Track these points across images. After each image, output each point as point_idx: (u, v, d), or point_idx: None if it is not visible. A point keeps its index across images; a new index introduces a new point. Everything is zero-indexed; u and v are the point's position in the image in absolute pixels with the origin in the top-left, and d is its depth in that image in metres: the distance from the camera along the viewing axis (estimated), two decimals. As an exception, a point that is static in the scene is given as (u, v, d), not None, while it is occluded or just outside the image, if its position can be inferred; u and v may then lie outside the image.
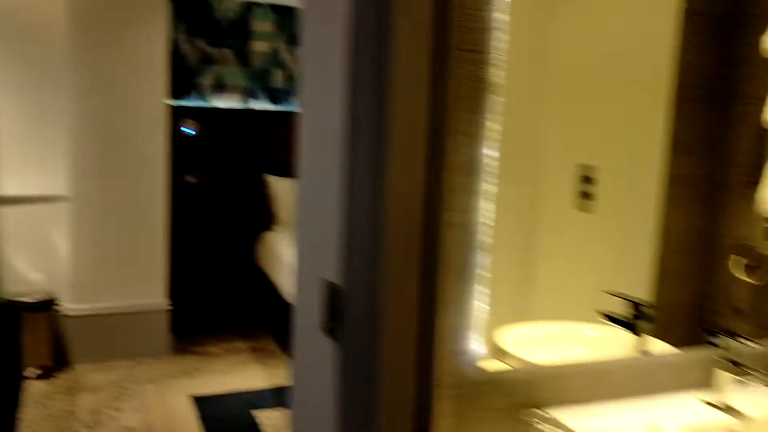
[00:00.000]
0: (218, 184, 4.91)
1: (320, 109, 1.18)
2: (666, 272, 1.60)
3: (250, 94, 4.97)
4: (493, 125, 1.07)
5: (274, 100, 5.05)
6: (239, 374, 3.95)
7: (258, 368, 4.04)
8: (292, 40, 5.02)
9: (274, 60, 5.00)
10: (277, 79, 5.03)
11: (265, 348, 4.35)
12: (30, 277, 3.93)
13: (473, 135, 1.05)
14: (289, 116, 5.05)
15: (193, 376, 3.91)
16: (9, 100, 3.77)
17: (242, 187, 4.98)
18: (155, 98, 3.92)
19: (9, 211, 3.84)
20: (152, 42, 3.86)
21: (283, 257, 4.21)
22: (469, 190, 1.05)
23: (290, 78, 5.05)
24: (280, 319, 4.26)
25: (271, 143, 5.03)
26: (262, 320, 4.86)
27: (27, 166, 3.86)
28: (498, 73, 1.06)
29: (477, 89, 1.04)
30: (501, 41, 1.07)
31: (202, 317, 4.80)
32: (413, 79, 0.98)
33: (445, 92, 1.01)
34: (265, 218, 4.75)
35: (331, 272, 1.12)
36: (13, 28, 3.72)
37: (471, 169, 1.05)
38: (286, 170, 5.06)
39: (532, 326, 1.68)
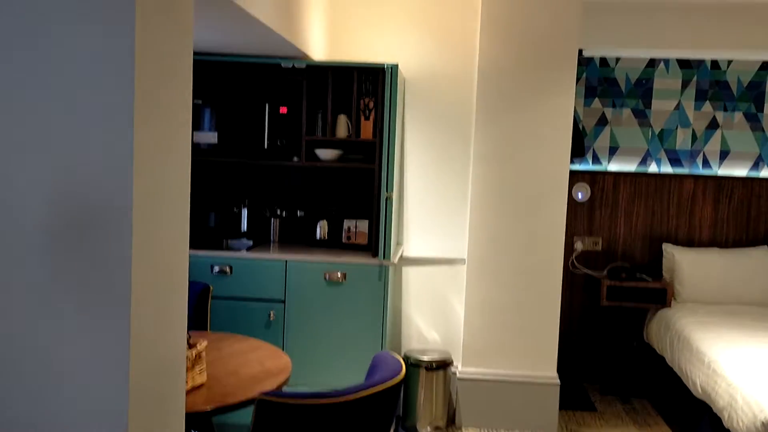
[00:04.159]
0: (606, 252, 4.59)
1: None
2: None
3: (648, 156, 4.59)
4: None
5: (674, 162, 4.58)
6: (636, 470, 3.50)
7: (657, 466, 3.54)
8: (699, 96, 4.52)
9: (678, 119, 4.55)
10: (680, 139, 4.57)
11: (662, 442, 3.82)
12: (428, 335, 4.07)
13: None
14: (695, 180, 4.54)
15: (584, 462, 3.58)
16: (416, 167, 3.99)
17: (633, 256, 4.59)
18: (557, 165, 3.79)
19: (412, 271, 4.04)
20: (559, 110, 3.76)
21: (691, 341, 3.66)
22: None
23: (696, 137, 4.54)
24: (668, 397, 3.71)
25: (675, 210, 4.56)
26: (644, 390, 4.45)
27: (437, 231, 4.03)
28: None
29: None
30: None
31: (583, 393, 4.48)
32: None
33: None
34: (659, 292, 4.25)
35: None
36: (430, 98, 3.96)
37: None
38: (688, 240, 4.53)
39: None
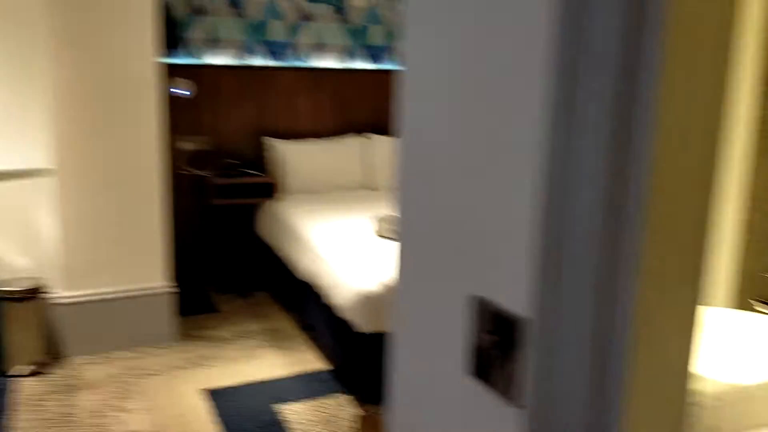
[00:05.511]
0: (216, 150, 4.46)
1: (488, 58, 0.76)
2: None
3: (247, 49, 4.49)
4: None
5: (273, 55, 4.57)
6: (255, 361, 3.56)
7: (275, 353, 3.66)
8: (291, -13, 4.52)
9: (273, 10, 4.50)
10: (276, 31, 4.55)
11: (279, 330, 3.96)
12: (15, 262, 3.49)
13: None
14: (294, 72, 4.60)
15: (203, 365, 3.52)
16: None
17: (242, 152, 4.53)
18: (143, 56, 3.43)
19: (-15, 189, 3.37)
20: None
21: (297, 230, 3.79)
22: None
23: (291, 29, 4.56)
24: (283, 286, 3.89)
25: (277, 104, 4.57)
26: (261, 283, 4.51)
27: (7, 137, 3.38)
28: None
29: None
30: None
31: (205, 296, 4.41)
32: None
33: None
34: (266, 186, 4.30)
35: (501, 290, 0.72)
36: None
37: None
38: (292, 133, 4.62)
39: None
